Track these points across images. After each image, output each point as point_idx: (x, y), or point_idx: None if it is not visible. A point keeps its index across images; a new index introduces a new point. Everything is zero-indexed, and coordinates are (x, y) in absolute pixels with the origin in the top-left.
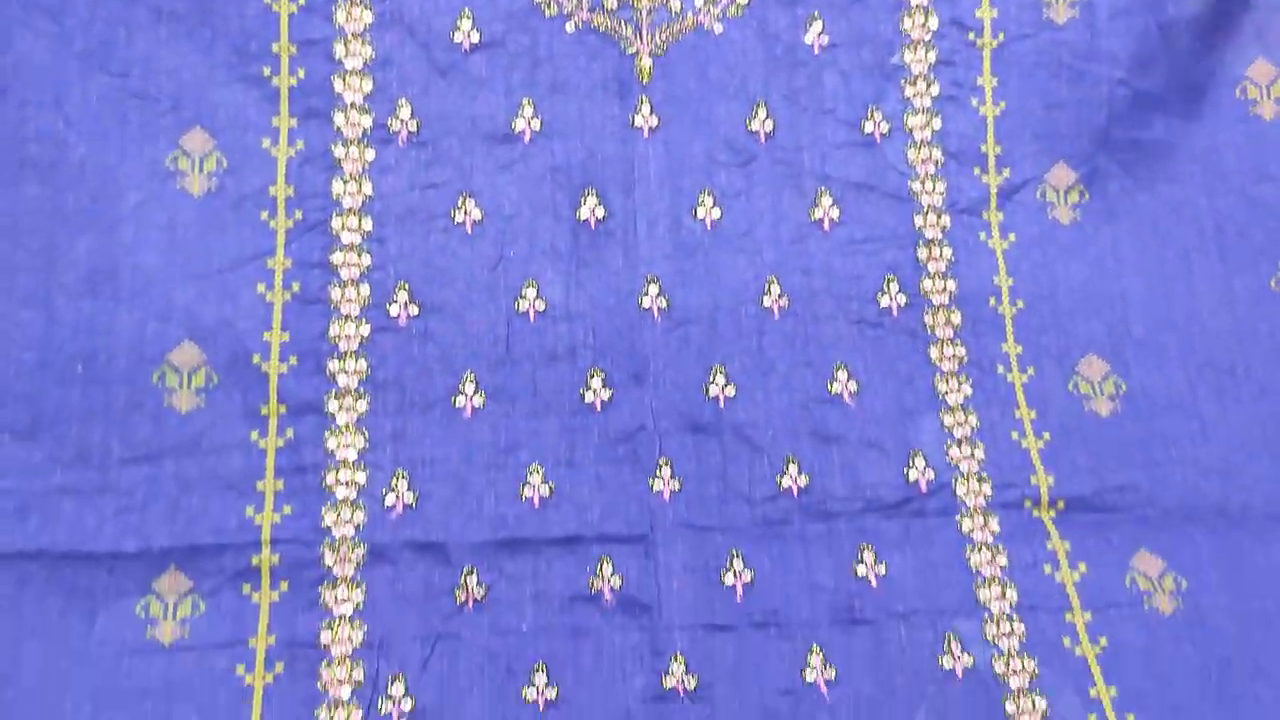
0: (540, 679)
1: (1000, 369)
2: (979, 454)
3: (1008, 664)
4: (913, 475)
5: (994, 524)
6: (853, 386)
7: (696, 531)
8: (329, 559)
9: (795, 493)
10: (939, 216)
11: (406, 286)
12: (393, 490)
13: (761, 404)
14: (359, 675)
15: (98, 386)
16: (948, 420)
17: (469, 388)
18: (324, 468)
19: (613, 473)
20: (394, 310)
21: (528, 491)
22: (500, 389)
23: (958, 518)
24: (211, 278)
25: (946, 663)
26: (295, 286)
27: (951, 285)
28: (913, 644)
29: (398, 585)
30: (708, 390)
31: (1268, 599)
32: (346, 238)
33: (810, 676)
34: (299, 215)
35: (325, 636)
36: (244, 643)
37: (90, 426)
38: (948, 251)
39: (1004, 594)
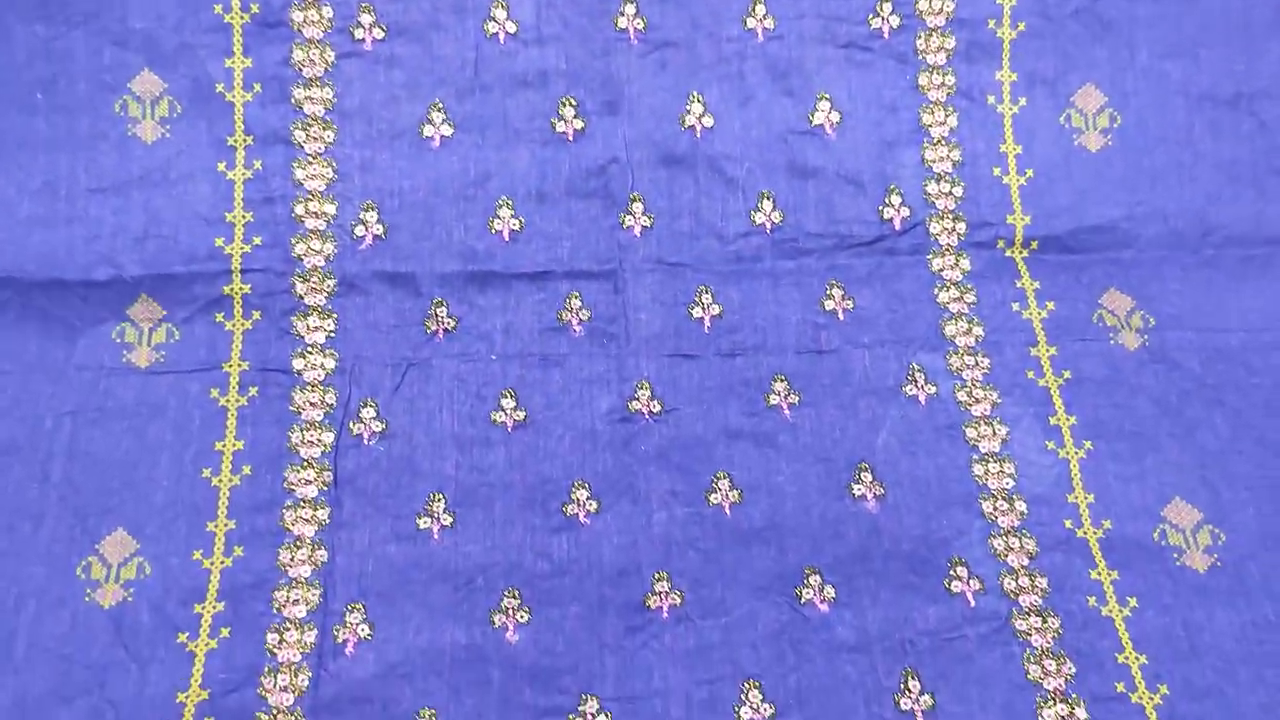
0: (508, 403)
1: (991, 99)
2: (957, 191)
3: (970, 393)
4: (888, 213)
5: (965, 263)
6: (835, 117)
7: (667, 268)
8: (300, 289)
9: (768, 229)
10: None
11: (370, 9)
12: (362, 222)
13: (739, 135)
14: (331, 399)
15: (60, 115)
16: (929, 154)
17: (437, 116)
18: (293, 199)
19: (583, 208)
20: (359, 34)
21: (497, 225)
22: (469, 118)
23: (929, 256)
24: None
25: (910, 390)
26: (254, 8)
27: (949, 6)
28: (877, 373)
29: (368, 315)
30: (684, 119)
31: (1233, 334)
32: None
33: (774, 400)
34: None
35: (298, 363)
36: (218, 367)
37: (55, 156)
38: None
39: (970, 330)
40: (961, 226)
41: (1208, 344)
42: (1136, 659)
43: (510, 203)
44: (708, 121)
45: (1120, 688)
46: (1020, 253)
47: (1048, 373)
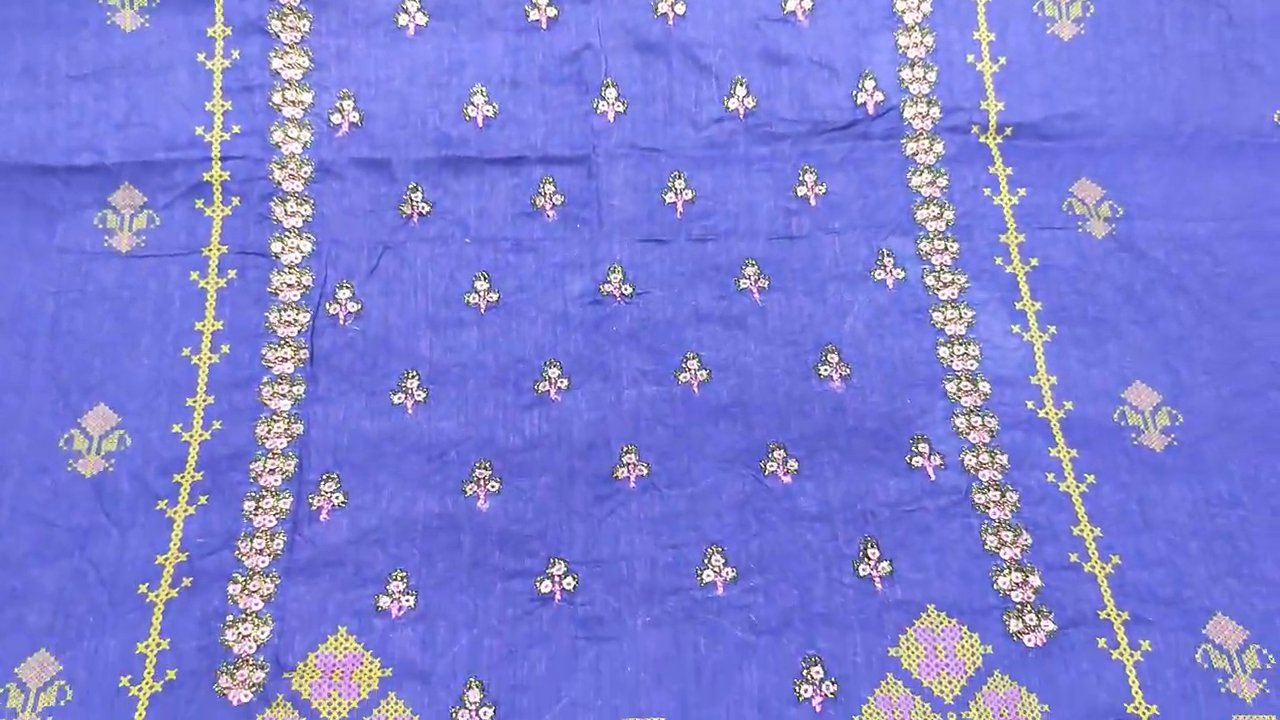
0: (482, 285)
1: None
2: (931, 76)
3: (939, 278)
4: (861, 98)
5: (939, 148)
6: (807, 4)
7: (640, 153)
8: (278, 175)
9: (741, 114)
10: None
11: None
12: (338, 110)
13: (712, 22)
14: (308, 281)
15: (40, 1)
16: (903, 40)
17: (411, 5)
18: (270, 88)
19: (557, 94)
20: None
21: (471, 111)
22: (443, 6)
23: (903, 141)
24: None
25: (878, 275)
26: None
27: None
28: (847, 258)
29: (344, 200)
30: (656, 7)
31: (1200, 224)
32: None
33: (744, 284)
34: None
35: (275, 246)
36: (198, 251)
37: (35, 42)
38: None
39: (941, 214)
40: (935, 111)
41: (1175, 233)
42: (1091, 531)
43: (484, 90)
44: (680, 9)
45: (1074, 558)
46: (994, 139)
47: (1015, 260)
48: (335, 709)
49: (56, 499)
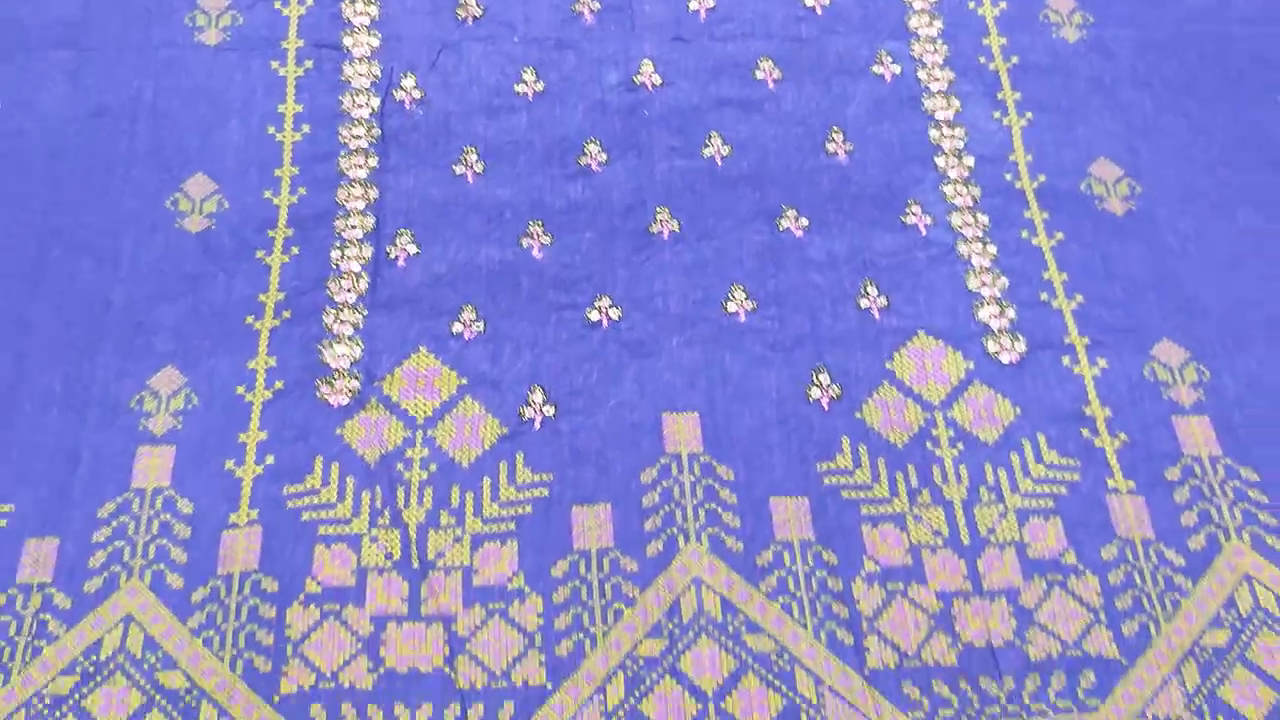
0: (529, 76)
1: None
2: None
3: (930, 73)
4: None
5: None
6: None
7: None
8: None
9: None
10: None
11: None
12: None
13: None
14: (375, 71)
15: None
16: None
17: None
18: None
19: None
20: None
21: None
22: None
23: None
24: None
25: (877, 70)
26: None
27: None
28: (850, 57)
29: (407, 1)
30: None
31: (1165, 29)
32: None
33: (759, 75)
34: None
35: (347, 41)
36: (277, 44)
37: None
38: None
39: (931, 23)
40: None
41: (1142, 38)
42: (1059, 276)
43: None
44: None
45: (1044, 296)
46: None
47: (997, 58)
48: (421, 409)
49: (168, 252)
